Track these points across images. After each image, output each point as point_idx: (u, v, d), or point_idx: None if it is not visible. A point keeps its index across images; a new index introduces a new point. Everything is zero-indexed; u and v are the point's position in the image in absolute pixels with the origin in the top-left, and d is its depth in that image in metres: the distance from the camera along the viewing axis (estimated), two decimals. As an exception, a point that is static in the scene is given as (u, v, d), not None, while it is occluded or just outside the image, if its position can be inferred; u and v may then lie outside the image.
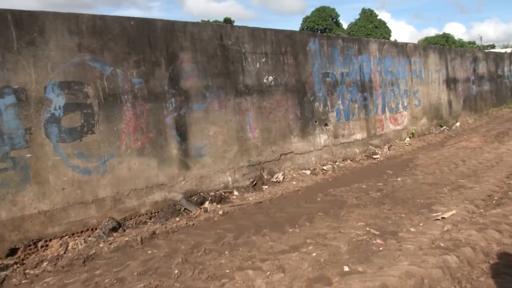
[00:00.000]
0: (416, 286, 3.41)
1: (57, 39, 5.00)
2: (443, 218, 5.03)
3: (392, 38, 57.63)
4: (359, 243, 4.39)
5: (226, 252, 4.38)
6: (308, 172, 7.63)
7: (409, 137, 10.91)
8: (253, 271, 3.87)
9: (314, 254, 4.15)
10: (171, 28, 6.09)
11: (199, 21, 44.48)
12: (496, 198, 5.62)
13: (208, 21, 52.99)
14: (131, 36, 5.63)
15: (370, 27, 59.33)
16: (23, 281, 4.09)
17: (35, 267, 4.41)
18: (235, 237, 4.80)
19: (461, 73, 14.11)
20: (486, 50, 19.62)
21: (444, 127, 12.53)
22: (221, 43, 6.63)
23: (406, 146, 10.20)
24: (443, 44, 46.48)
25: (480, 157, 8.31)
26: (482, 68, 15.38)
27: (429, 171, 7.54)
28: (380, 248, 4.24)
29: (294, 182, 7.19)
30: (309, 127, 8.04)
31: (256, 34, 7.17)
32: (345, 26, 63.06)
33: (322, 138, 8.34)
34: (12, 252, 4.64)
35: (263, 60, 7.22)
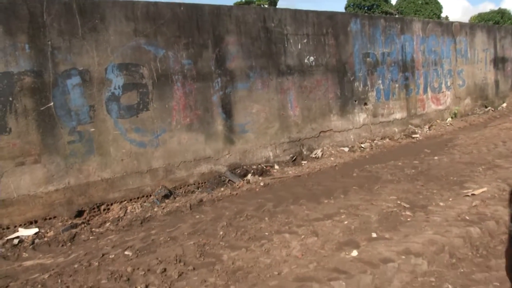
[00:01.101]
0: (437, 252, 3.74)
1: (115, 25, 5.55)
2: (473, 194, 5.26)
3: (443, 15, 55.21)
4: (389, 214, 4.73)
5: (266, 218, 4.86)
6: (346, 149, 7.94)
7: (451, 117, 10.89)
8: (289, 235, 4.32)
9: (345, 222, 4.54)
10: (217, 12, 6.50)
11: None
12: (530, 177, 5.75)
13: (253, 1, 53.02)
14: (181, 21, 6.10)
15: (420, 3, 56.87)
16: (91, 237, 4.75)
17: (99, 227, 5.07)
18: (275, 206, 5.26)
19: (511, 52, 13.69)
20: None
21: (489, 107, 12.34)
22: (264, 25, 6.99)
23: (447, 126, 10.23)
24: (497, 21, 44.20)
25: (522, 138, 8.29)
26: (535, 47, 14.81)
27: (467, 150, 7.65)
28: (408, 219, 4.57)
29: (332, 158, 7.55)
30: (349, 106, 8.31)
31: (298, 16, 7.47)
32: (393, 1, 60.89)
33: (361, 117, 8.59)
34: (79, 213, 5.33)
35: (305, 41, 7.52)
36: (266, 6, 53.34)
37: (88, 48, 5.36)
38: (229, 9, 6.66)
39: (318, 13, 7.78)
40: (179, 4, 6.20)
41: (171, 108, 6.01)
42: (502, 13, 49.08)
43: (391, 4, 60.41)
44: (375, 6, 59.23)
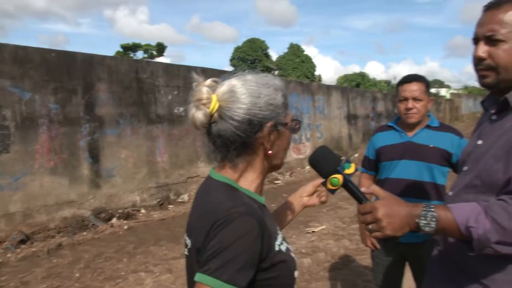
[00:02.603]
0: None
1: (-22, 66, 5.50)
2: (313, 231, 6.11)
3: (317, 73, 61.09)
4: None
5: (125, 259, 5.07)
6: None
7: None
8: (145, 273, 4.61)
9: (199, 260, 4.97)
10: (90, 61, 6.76)
11: (130, 42, 44.38)
12: (360, 217, 6.83)
13: (139, 44, 53.34)
14: (51, 66, 6.23)
15: (297, 61, 62.31)
16: None
17: None
18: (135, 248, 5.49)
19: (361, 110, 15.92)
20: (385, 91, 22.03)
21: (344, 157, 14.06)
22: (136, 76, 7.40)
23: (306, 173, 11.45)
24: (358, 82, 50.58)
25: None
26: (380, 107, 17.41)
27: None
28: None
29: (198, 203, 8.01)
30: (216, 154, 8.94)
31: (170, 69, 8.04)
32: (274, 57, 65.81)
33: (228, 164, 9.27)
34: None
35: (175, 92, 8.08)
36: (154, 52, 53.95)
37: None
38: (102, 59, 6.96)
39: (189, 68, 8.45)
40: (50, 50, 6.34)
41: (35, 151, 5.98)
42: (362, 75, 56.23)
43: (272, 60, 65.26)
44: (257, 60, 63.43)
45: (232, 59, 65.34)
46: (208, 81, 1.20)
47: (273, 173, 10.53)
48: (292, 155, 11.61)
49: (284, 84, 1.27)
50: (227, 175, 1.21)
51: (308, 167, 12.02)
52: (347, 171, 1.35)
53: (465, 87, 70.02)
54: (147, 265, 4.85)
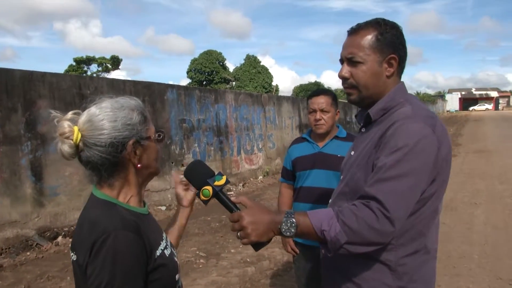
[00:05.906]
0: (214, 290, 4.46)
1: None
2: (260, 240, 6.26)
3: (274, 83, 61.89)
4: (184, 263, 5.35)
5: (68, 278, 5.02)
6: (163, 208, 8.49)
7: (263, 176, 12.40)
8: None
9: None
10: (30, 78, 6.66)
11: (84, 56, 43.24)
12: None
13: (93, 57, 52.32)
14: (-13, 84, 6.10)
15: (254, 72, 62.87)
16: None
17: None
18: (80, 265, 5.44)
19: (313, 119, 16.31)
20: (340, 100, 22.69)
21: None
22: (79, 92, 7.33)
23: (258, 184, 11.62)
24: (314, 91, 51.48)
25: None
26: (331, 115, 17.90)
27: (269, 204, 8.91)
28: (200, 266, 5.26)
29: (148, 217, 7.99)
30: (165, 167, 8.95)
31: (115, 84, 8.02)
32: (231, 68, 66.11)
33: (179, 177, 9.29)
34: None
35: (122, 107, 8.04)
36: (109, 65, 53.01)
37: None
38: (42, 75, 6.87)
39: (135, 82, 8.46)
40: (-14, 68, 6.21)
41: (-28, 172, 5.82)
42: (317, 85, 57.58)
43: (229, 71, 65.54)
44: (214, 72, 63.52)
45: (189, 71, 65.11)
46: (69, 115, 1.31)
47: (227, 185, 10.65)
48: (244, 166, 11.76)
49: (234, 95, 1.35)
50: (106, 192, 1.32)
51: (261, 177, 12.22)
52: (218, 183, 1.46)
53: (417, 94, 73.00)
54: (90, 282, 4.82)
